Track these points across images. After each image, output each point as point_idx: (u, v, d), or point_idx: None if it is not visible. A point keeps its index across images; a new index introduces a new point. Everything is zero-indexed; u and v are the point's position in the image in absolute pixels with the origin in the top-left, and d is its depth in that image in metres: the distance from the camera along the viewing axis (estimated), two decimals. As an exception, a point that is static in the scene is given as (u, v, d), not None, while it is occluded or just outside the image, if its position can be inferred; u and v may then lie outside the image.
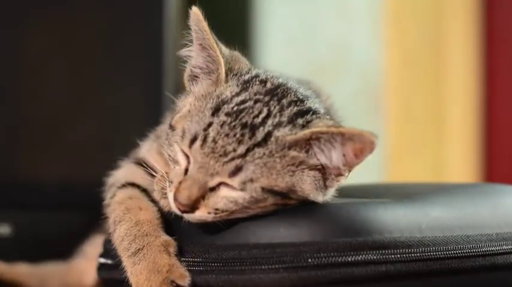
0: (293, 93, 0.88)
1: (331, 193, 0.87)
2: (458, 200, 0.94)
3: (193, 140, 0.83)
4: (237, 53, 0.93)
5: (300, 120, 0.85)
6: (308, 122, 0.85)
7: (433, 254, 0.85)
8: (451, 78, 2.33)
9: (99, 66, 1.55)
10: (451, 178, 2.28)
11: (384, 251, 0.82)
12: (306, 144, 0.84)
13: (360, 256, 0.82)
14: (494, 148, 2.41)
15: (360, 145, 0.82)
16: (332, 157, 0.84)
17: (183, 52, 0.91)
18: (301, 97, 0.88)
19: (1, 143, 1.52)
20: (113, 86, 1.56)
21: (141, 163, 0.96)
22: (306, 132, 0.83)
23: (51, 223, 1.45)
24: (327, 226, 0.83)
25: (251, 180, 0.82)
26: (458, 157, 2.34)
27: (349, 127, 0.84)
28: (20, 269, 1.27)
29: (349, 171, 0.86)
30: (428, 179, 2.21)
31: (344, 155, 0.83)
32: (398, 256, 0.83)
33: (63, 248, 1.27)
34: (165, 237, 0.87)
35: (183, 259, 0.85)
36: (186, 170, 0.84)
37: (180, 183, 0.83)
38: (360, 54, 2.25)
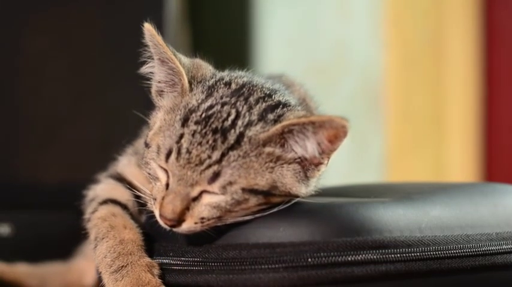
0: (259, 90, 0.88)
1: (313, 183, 0.87)
2: (458, 200, 0.94)
3: (168, 155, 0.83)
4: (198, 60, 0.93)
5: (271, 116, 0.85)
6: (279, 116, 0.85)
7: (433, 254, 0.85)
8: (451, 78, 2.33)
9: (99, 66, 1.55)
10: (451, 178, 2.27)
11: (383, 251, 0.82)
12: (280, 138, 0.84)
13: (360, 256, 0.82)
14: (494, 148, 2.41)
15: (332, 131, 0.82)
16: (307, 147, 0.84)
17: (144, 70, 0.91)
18: (268, 92, 0.88)
19: (1, 143, 1.52)
20: (113, 86, 1.56)
21: (120, 178, 0.97)
22: (278, 127, 0.83)
23: (51, 223, 1.45)
24: (326, 225, 0.83)
25: (230, 183, 0.82)
26: (458, 156, 2.34)
27: (319, 114, 0.83)
28: (20, 269, 1.27)
29: (328, 158, 0.85)
30: (428, 178, 2.21)
31: (319, 143, 0.83)
32: (398, 255, 0.83)
33: (63, 248, 1.27)
34: (149, 259, 0.87)
35: (182, 258, 0.86)
36: (167, 185, 0.84)
37: (163, 198, 0.83)
38: (359, 54, 2.25)
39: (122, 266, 0.86)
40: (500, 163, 2.41)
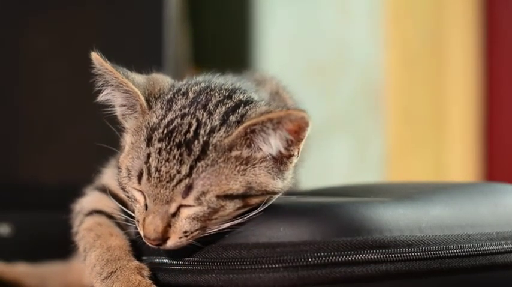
0: (217, 93, 0.87)
1: (289, 175, 0.87)
2: (458, 199, 0.94)
3: (140, 176, 0.83)
4: (155, 75, 0.93)
5: (233, 118, 0.84)
6: (242, 116, 0.84)
7: (433, 253, 0.85)
8: (451, 78, 2.33)
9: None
10: (451, 177, 2.28)
11: (384, 251, 0.82)
12: (245, 139, 0.83)
13: (360, 255, 0.82)
14: (495, 147, 2.41)
15: (293, 124, 0.82)
16: (271, 143, 0.83)
17: (102, 98, 0.91)
18: (227, 94, 0.87)
19: (1, 143, 1.52)
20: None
21: (105, 190, 0.97)
22: (240, 129, 0.82)
23: (51, 223, 1.45)
24: (327, 225, 0.83)
25: (203, 193, 0.81)
26: (458, 156, 2.34)
27: (277, 110, 0.82)
28: (20, 269, 1.27)
29: (298, 149, 0.85)
30: (428, 178, 2.21)
31: (283, 137, 0.83)
32: (399, 255, 0.83)
33: (63, 248, 1.27)
34: (138, 262, 0.87)
35: (183, 258, 0.86)
36: (146, 206, 0.84)
37: (144, 220, 0.83)
38: (360, 54, 2.25)
39: (112, 272, 0.86)
40: (501, 162, 2.41)
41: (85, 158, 1.52)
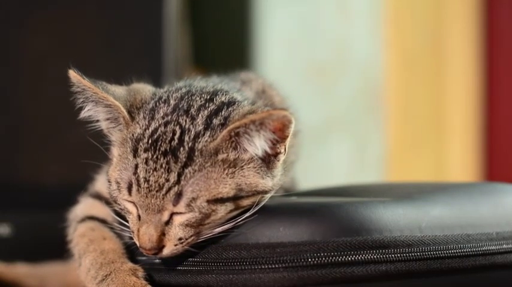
0: (199, 97, 0.87)
1: (279, 173, 0.87)
2: (458, 200, 0.94)
3: (129, 188, 0.83)
4: (135, 85, 0.93)
5: (216, 121, 0.84)
6: (225, 118, 0.84)
7: (433, 254, 0.85)
8: (451, 78, 2.33)
9: (100, 66, 1.55)
10: (451, 177, 2.28)
11: (384, 251, 0.82)
12: (231, 142, 0.83)
13: (360, 256, 0.82)
14: (495, 147, 2.41)
15: (276, 123, 0.82)
16: (257, 144, 0.83)
17: (84, 114, 0.90)
18: (208, 97, 0.87)
19: (1, 143, 1.52)
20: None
21: (99, 196, 0.97)
22: (224, 133, 0.82)
23: (51, 223, 1.45)
24: (326, 225, 0.83)
25: (194, 199, 0.81)
26: (458, 156, 2.34)
27: (259, 111, 0.82)
28: (20, 269, 1.27)
29: (284, 146, 0.85)
30: (428, 178, 2.21)
31: (267, 137, 0.83)
32: (399, 255, 0.83)
33: (63, 248, 1.27)
34: (132, 264, 0.88)
35: (183, 258, 0.86)
36: (139, 216, 0.84)
37: (138, 230, 0.84)
38: (359, 54, 2.25)
39: (106, 275, 0.86)
40: (500, 162, 2.41)
41: (85, 158, 1.52)
